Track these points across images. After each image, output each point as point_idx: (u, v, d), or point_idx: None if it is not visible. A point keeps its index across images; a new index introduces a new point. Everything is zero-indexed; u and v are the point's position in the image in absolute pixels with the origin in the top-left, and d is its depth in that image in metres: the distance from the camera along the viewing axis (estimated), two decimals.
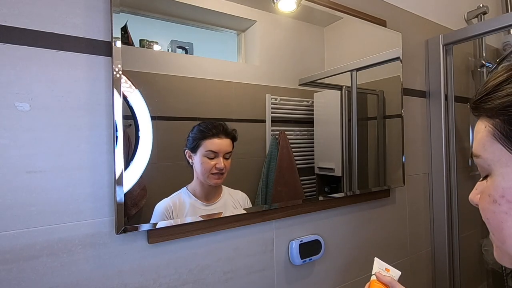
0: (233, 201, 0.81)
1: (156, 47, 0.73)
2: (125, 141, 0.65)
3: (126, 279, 0.68)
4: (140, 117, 0.67)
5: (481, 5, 1.54)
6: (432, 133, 1.36)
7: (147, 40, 0.71)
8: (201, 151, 0.75)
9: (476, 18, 1.56)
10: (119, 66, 0.64)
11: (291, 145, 0.91)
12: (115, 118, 0.64)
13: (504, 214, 0.33)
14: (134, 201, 0.66)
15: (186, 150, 0.74)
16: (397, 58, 1.19)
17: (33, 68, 0.59)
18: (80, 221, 0.63)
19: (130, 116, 0.66)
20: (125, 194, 0.64)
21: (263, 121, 0.86)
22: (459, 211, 1.32)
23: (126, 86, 0.65)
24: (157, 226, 0.69)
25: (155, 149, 0.68)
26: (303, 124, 0.95)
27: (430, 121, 1.37)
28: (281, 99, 0.89)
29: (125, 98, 0.65)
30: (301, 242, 0.94)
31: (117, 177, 0.64)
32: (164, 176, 0.72)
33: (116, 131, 0.64)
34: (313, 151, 0.97)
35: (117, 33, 0.65)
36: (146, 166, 0.67)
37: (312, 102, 0.96)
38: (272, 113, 0.88)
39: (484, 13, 1.53)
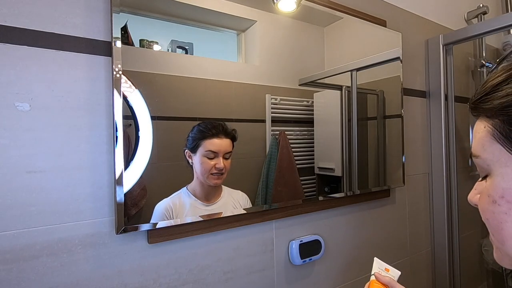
0: (233, 201, 0.81)
1: (156, 47, 0.73)
2: (125, 141, 0.65)
3: (126, 279, 0.68)
4: (140, 117, 0.67)
5: (481, 5, 1.53)
6: (432, 133, 1.36)
7: (147, 40, 0.71)
8: (200, 151, 0.75)
9: (476, 18, 1.56)
10: (119, 66, 0.64)
11: (291, 145, 0.91)
12: (115, 118, 0.64)
13: (504, 215, 0.33)
14: (134, 201, 0.66)
15: (186, 150, 0.74)
16: (397, 58, 1.19)
17: (33, 68, 0.59)
18: (80, 221, 0.63)
19: (130, 116, 0.66)
20: (125, 194, 0.64)
21: (263, 121, 0.86)
22: (459, 211, 1.32)
23: (126, 86, 0.65)
24: (157, 226, 0.69)
25: (155, 149, 0.68)
26: (303, 124, 0.95)
27: (430, 121, 1.37)
28: (281, 99, 0.89)
29: (125, 98, 0.65)
30: (301, 242, 0.94)
31: (117, 177, 0.64)
32: (164, 176, 0.72)
33: (116, 131, 0.64)
34: (313, 151, 0.97)
35: (117, 33, 0.65)
36: (146, 166, 0.67)
37: (312, 102, 0.96)
38: (272, 113, 0.88)
39: (484, 13, 1.53)
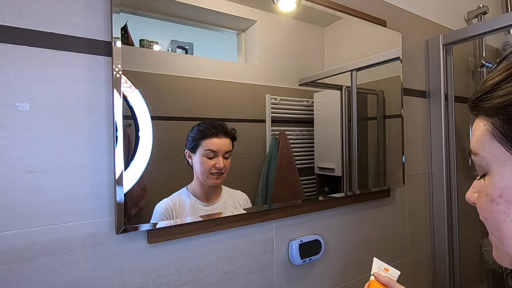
0: (233, 201, 0.81)
1: (156, 47, 0.73)
2: (125, 141, 0.65)
3: (126, 279, 0.68)
4: (140, 117, 0.67)
5: (481, 5, 1.53)
6: (432, 133, 1.36)
7: (147, 40, 0.71)
8: (200, 151, 0.75)
9: (476, 18, 1.56)
10: (119, 66, 0.64)
11: (291, 145, 0.91)
12: (115, 118, 0.64)
13: (503, 214, 0.33)
14: (134, 201, 0.66)
15: (186, 150, 0.74)
16: (397, 58, 1.19)
17: (33, 68, 0.59)
18: (80, 221, 0.63)
19: (130, 116, 0.66)
20: (125, 194, 0.64)
21: (263, 121, 0.86)
22: (459, 211, 1.32)
23: (126, 86, 0.65)
24: (157, 226, 0.69)
25: (155, 149, 0.68)
26: (303, 124, 0.95)
27: (430, 121, 1.37)
28: (281, 99, 0.89)
29: (125, 98, 0.65)
30: (301, 242, 0.94)
31: (117, 177, 0.64)
32: (164, 176, 0.72)
33: (116, 131, 0.64)
34: (313, 151, 0.97)
35: (117, 33, 0.65)
36: (146, 166, 0.67)
37: (312, 102, 0.96)
38: (272, 113, 0.88)
39: (484, 13, 1.53)
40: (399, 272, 0.65)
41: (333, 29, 1.02)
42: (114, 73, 0.64)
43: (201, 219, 0.75)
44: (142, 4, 0.70)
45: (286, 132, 0.90)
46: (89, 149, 0.64)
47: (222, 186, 0.80)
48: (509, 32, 1.59)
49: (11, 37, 0.57)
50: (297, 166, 0.93)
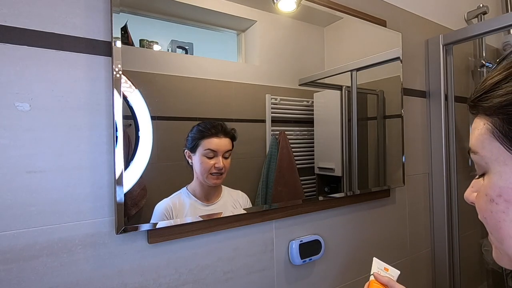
0: (233, 201, 0.81)
1: (156, 47, 0.73)
2: (125, 141, 0.65)
3: (126, 279, 0.68)
4: (140, 117, 0.67)
5: (481, 5, 1.53)
6: (432, 133, 1.36)
7: (147, 40, 0.71)
8: (200, 150, 0.75)
9: (476, 18, 1.56)
10: (119, 66, 0.64)
11: (291, 145, 0.91)
12: (115, 118, 0.64)
13: (502, 213, 0.33)
14: (134, 201, 0.66)
15: (186, 150, 0.74)
16: (397, 58, 1.19)
17: (33, 68, 0.59)
18: (80, 221, 0.63)
19: (130, 116, 0.66)
20: (125, 194, 0.64)
21: (263, 121, 0.86)
22: (459, 211, 1.32)
23: (126, 86, 0.65)
24: (157, 226, 0.69)
25: (155, 149, 0.68)
26: (303, 124, 0.95)
27: (430, 121, 1.37)
28: (281, 99, 0.89)
29: (125, 98, 0.65)
30: (301, 242, 0.94)
31: (117, 177, 0.64)
32: (164, 176, 0.72)
33: (116, 131, 0.64)
34: (313, 151, 0.97)
35: (117, 33, 0.65)
36: (146, 166, 0.67)
37: (312, 102, 0.96)
38: (272, 113, 0.88)
39: (484, 13, 1.53)
40: (398, 272, 0.65)
41: (333, 29, 1.02)
42: (114, 73, 0.64)
43: (201, 219, 0.75)
44: (142, 4, 0.70)
45: (286, 132, 0.90)
46: (89, 149, 0.64)
47: (222, 186, 0.80)
48: (509, 32, 1.59)
49: (11, 37, 0.57)
50: (297, 166, 0.93)
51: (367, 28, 1.12)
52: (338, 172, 1.02)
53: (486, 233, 0.38)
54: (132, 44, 0.68)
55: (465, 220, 1.35)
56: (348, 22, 1.06)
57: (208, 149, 0.75)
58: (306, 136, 0.95)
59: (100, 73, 0.66)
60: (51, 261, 0.61)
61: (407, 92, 1.27)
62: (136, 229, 0.66)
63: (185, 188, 0.75)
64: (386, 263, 0.66)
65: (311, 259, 0.95)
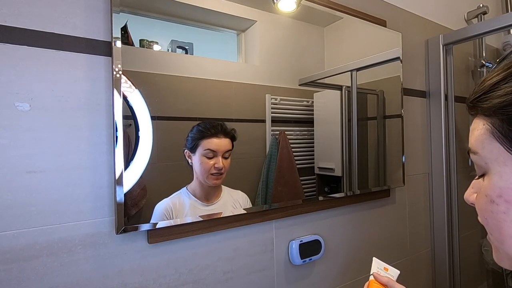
0: (233, 201, 0.81)
1: (156, 47, 0.73)
2: (125, 141, 0.65)
3: (126, 279, 0.68)
4: (140, 117, 0.67)
5: (481, 5, 1.53)
6: (432, 133, 1.36)
7: (147, 40, 0.71)
8: (200, 150, 0.75)
9: (476, 18, 1.56)
10: (119, 66, 0.64)
11: (291, 145, 0.91)
12: (115, 118, 0.64)
13: (503, 214, 0.33)
14: (134, 201, 0.66)
15: (186, 150, 0.74)
16: (397, 58, 1.19)
17: (33, 68, 0.59)
18: (80, 221, 0.63)
19: (130, 116, 0.66)
20: (125, 194, 0.64)
21: (263, 121, 0.86)
22: (459, 211, 1.32)
23: (126, 86, 0.65)
24: (157, 226, 0.69)
25: (155, 149, 0.68)
26: (303, 124, 0.95)
27: (430, 121, 1.37)
28: (281, 99, 0.89)
29: (125, 98, 0.65)
30: (301, 242, 0.94)
31: (117, 177, 0.64)
32: (164, 176, 0.72)
33: (116, 131, 0.64)
34: (313, 151, 0.97)
35: (117, 33, 0.65)
36: (146, 166, 0.67)
37: (312, 102, 0.96)
38: (272, 113, 0.88)
39: (484, 13, 1.53)
40: (398, 272, 0.65)
41: (333, 29, 1.02)
42: (114, 73, 0.64)
43: (201, 219, 0.75)
44: (142, 4, 0.70)
45: (286, 132, 0.90)
46: (89, 149, 0.64)
47: (222, 186, 0.80)
48: (509, 32, 1.59)
49: (11, 37, 0.57)
50: (297, 166, 0.93)
51: (367, 28, 1.12)
52: (338, 172, 1.02)
53: (486, 233, 0.37)
54: (132, 44, 0.68)
55: (465, 220, 1.34)
56: (348, 22, 1.06)
57: (208, 149, 0.75)
58: (306, 136, 0.95)
59: (100, 73, 0.66)
60: (51, 261, 0.61)
61: (407, 92, 1.27)
62: (136, 229, 0.66)
63: (185, 188, 0.75)
64: (386, 263, 0.66)
65: (311, 259, 0.95)
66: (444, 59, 1.31)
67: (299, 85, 0.93)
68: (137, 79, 0.67)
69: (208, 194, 0.78)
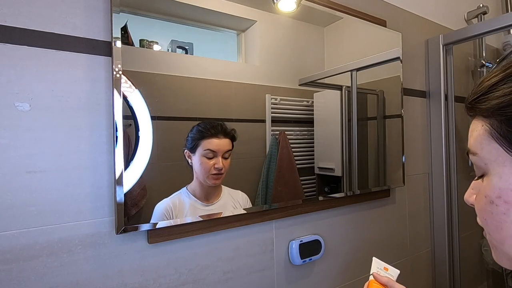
0: (233, 201, 0.81)
1: (156, 47, 0.73)
2: (125, 141, 0.65)
3: (126, 279, 0.68)
4: (140, 117, 0.67)
5: (481, 5, 1.53)
6: (432, 133, 1.36)
7: (147, 40, 0.71)
8: (199, 151, 0.75)
9: (476, 18, 1.56)
10: (119, 66, 0.64)
11: (291, 145, 0.91)
12: (115, 118, 0.64)
13: (502, 215, 0.33)
14: (134, 201, 0.66)
15: (186, 150, 0.74)
16: (397, 58, 1.19)
17: (33, 68, 0.59)
18: (80, 221, 0.63)
19: (130, 116, 0.66)
20: (125, 194, 0.64)
21: (263, 121, 0.86)
22: (459, 211, 1.32)
23: (126, 86, 0.65)
24: (157, 226, 0.69)
25: (155, 149, 0.68)
26: (303, 124, 0.95)
27: (430, 121, 1.37)
28: (281, 99, 0.89)
29: (125, 98, 0.65)
30: (301, 242, 0.94)
31: (117, 177, 0.64)
32: (164, 176, 0.72)
33: (116, 131, 0.64)
34: (313, 151, 0.97)
35: (117, 33, 0.65)
36: (146, 166, 0.67)
37: (312, 102, 0.96)
38: (272, 113, 0.88)
39: (484, 13, 1.53)
40: (398, 271, 0.65)
41: (333, 29, 1.02)
42: (114, 73, 0.64)
43: (201, 219, 0.75)
44: (142, 4, 0.70)
45: (286, 132, 0.90)
46: (89, 149, 0.64)
47: (222, 186, 0.80)
48: (509, 32, 1.59)
49: (11, 37, 0.57)
50: (297, 166, 0.93)
51: (367, 28, 1.12)
52: (338, 172, 1.02)
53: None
54: (132, 44, 0.68)
55: (465, 220, 1.35)
56: (348, 22, 1.06)
57: (208, 149, 0.75)
58: (306, 136, 0.95)
59: (100, 73, 0.66)
60: (51, 261, 0.61)
61: (407, 92, 1.27)
62: (136, 229, 0.66)
63: (185, 188, 0.75)
64: (386, 263, 0.66)
65: (311, 259, 0.95)
66: (444, 59, 1.31)
67: (299, 85, 0.93)
68: (137, 79, 0.67)
69: (208, 194, 0.78)
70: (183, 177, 0.75)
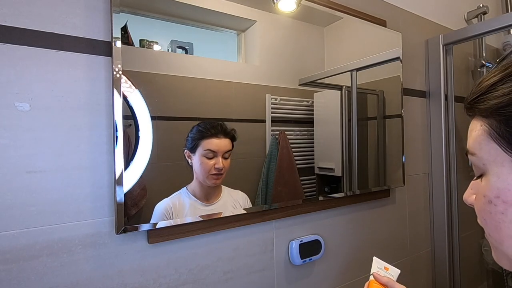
0: (233, 201, 0.81)
1: (156, 47, 0.73)
2: (125, 141, 0.65)
3: (126, 279, 0.68)
4: (140, 117, 0.67)
5: (481, 5, 1.53)
6: (432, 133, 1.36)
7: (147, 40, 0.71)
8: (199, 151, 0.75)
9: (476, 18, 1.56)
10: (119, 66, 0.64)
11: (291, 145, 0.91)
12: (115, 118, 0.64)
13: (501, 215, 0.33)
14: (134, 201, 0.66)
15: (186, 150, 0.74)
16: (397, 58, 1.19)
17: (33, 68, 0.59)
18: (80, 221, 0.63)
19: (130, 116, 0.66)
20: (125, 194, 0.64)
21: (263, 121, 0.86)
22: (459, 211, 1.32)
23: (126, 86, 0.65)
24: (157, 226, 0.69)
25: (155, 149, 0.68)
26: (303, 124, 0.95)
27: (430, 121, 1.37)
28: (281, 99, 0.89)
29: (125, 98, 0.65)
30: (301, 242, 0.94)
31: (117, 177, 0.64)
32: (164, 176, 0.72)
33: (116, 131, 0.64)
34: (313, 151, 0.97)
35: (117, 33, 0.65)
36: (146, 166, 0.67)
37: (312, 102, 0.96)
38: (272, 113, 0.88)
39: (484, 13, 1.53)
40: (399, 271, 0.65)
41: (333, 29, 1.02)
42: (114, 73, 0.64)
43: (201, 219, 0.75)
44: (142, 4, 0.70)
45: (286, 132, 0.90)
46: (89, 149, 0.64)
47: (222, 186, 0.80)
48: (509, 32, 1.59)
49: (11, 37, 0.57)
50: (297, 166, 0.93)
51: (367, 28, 1.12)
52: (338, 172, 1.02)
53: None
54: (132, 44, 0.68)
55: (465, 220, 1.34)
56: (348, 22, 1.06)
57: (208, 149, 0.75)
58: (306, 136, 0.95)
59: (100, 73, 0.66)
60: (51, 261, 0.61)
61: (407, 92, 1.27)
62: (136, 229, 0.66)
63: (185, 188, 0.75)
64: (386, 262, 0.66)
65: (311, 259, 0.95)
66: (444, 59, 1.31)
67: (299, 85, 0.93)
68: (137, 79, 0.67)
69: (208, 194, 0.78)
70: (183, 177, 0.75)
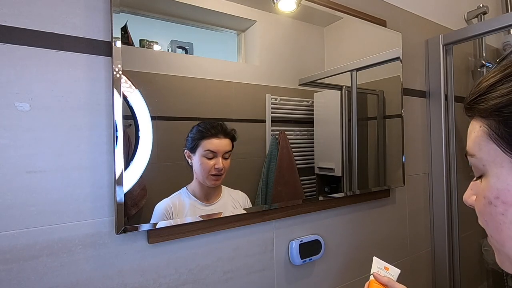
0: (233, 201, 0.81)
1: (156, 47, 0.73)
2: (125, 141, 0.65)
3: (126, 279, 0.68)
4: (140, 117, 0.67)
5: (481, 5, 1.53)
6: (432, 133, 1.36)
7: (147, 40, 0.71)
8: (199, 151, 0.75)
9: (476, 18, 1.56)
10: (119, 66, 0.64)
11: (291, 145, 0.91)
12: (115, 118, 0.64)
13: (501, 216, 0.33)
14: (134, 201, 0.66)
15: (186, 150, 0.74)
16: (397, 58, 1.19)
17: (33, 68, 0.59)
18: (80, 221, 0.63)
19: (130, 116, 0.66)
20: (125, 194, 0.64)
21: (263, 121, 0.86)
22: (459, 211, 1.32)
23: (126, 86, 0.65)
24: (157, 226, 0.69)
25: (155, 149, 0.68)
26: (303, 124, 0.95)
27: (430, 121, 1.37)
28: (281, 99, 0.89)
29: (125, 98, 0.65)
30: (301, 242, 0.94)
31: (117, 177, 0.64)
32: (164, 176, 0.72)
33: (116, 131, 0.64)
34: (313, 151, 0.97)
35: (117, 33, 0.65)
36: (146, 166, 0.67)
37: (312, 102, 0.96)
38: (272, 113, 0.88)
39: (484, 13, 1.53)
40: (399, 271, 0.65)
41: (333, 29, 1.02)
42: (114, 73, 0.64)
43: (201, 219, 0.75)
44: (142, 4, 0.70)
45: (286, 132, 0.90)
46: (89, 149, 0.64)
47: (222, 186, 0.80)
48: (509, 32, 1.59)
49: (11, 37, 0.57)
50: (297, 166, 0.93)
51: (367, 28, 1.12)
52: (338, 172, 1.02)
53: (486, 233, 0.37)
54: (132, 44, 0.68)
55: (465, 220, 1.34)
56: (348, 22, 1.06)
57: (208, 149, 0.75)
58: (306, 136, 0.95)
59: (100, 73, 0.66)
60: (51, 261, 0.61)
61: (407, 92, 1.27)
62: (136, 229, 0.66)
63: (185, 188, 0.75)
64: (386, 262, 0.66)
65: (311, 259, 0.95)
66: (444, 59, 1.31)
67: (299, 85, 0.93)
68: (137, 79, 0.67)
69: (208, 194, 0.78)
70: (183, 177, 0.75)
